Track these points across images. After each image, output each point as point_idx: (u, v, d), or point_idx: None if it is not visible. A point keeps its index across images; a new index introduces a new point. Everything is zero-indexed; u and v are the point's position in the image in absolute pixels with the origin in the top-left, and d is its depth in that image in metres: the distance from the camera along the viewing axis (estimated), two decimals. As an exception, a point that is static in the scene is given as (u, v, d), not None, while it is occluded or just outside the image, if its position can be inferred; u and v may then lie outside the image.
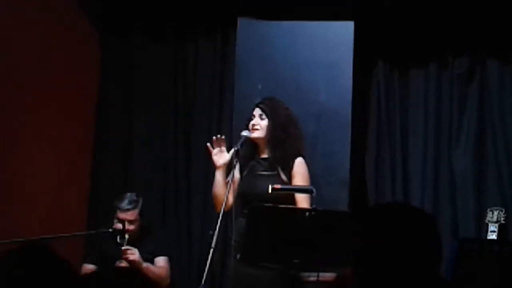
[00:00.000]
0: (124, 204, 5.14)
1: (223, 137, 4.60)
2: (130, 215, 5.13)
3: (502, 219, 5.05)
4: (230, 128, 5.56)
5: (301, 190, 4.52)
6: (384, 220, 2.08)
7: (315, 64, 5.48)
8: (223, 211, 4.33)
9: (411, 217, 2.09)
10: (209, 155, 4.60)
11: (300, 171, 4.58)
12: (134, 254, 5.00)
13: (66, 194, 5.74)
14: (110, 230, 5.02)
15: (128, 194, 5.23)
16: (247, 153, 4.65)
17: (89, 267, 5.07)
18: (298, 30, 5.54)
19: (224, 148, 4.58)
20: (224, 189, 4.47)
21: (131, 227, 5.10)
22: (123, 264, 4.96)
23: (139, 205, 5.18)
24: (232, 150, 4.53)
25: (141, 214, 5.19)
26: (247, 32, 5.59)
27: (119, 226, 5.06)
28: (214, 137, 4.61)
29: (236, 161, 4.53)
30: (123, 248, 4.98)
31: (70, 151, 5.82)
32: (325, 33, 5.48)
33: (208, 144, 4.59)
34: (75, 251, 5.22)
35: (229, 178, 4.45)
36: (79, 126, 5.95)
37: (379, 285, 2.02)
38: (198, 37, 6.00)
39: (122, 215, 5.12)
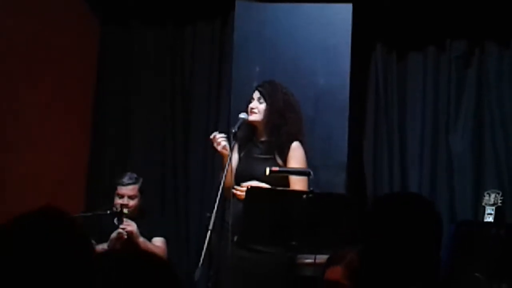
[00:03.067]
0: (125, 179, 5.24)
1: (216, 135, 4.59)
2: (131, 190, 5.22)
3: (499, 202, 5.05)
4: (228, 110, 5.56)
5: (299, 172, 4.53)
6: (388, 211, 2.13)
7: (313, 46, 5.47)
8: (222, 193, 4.33)
9: (413, 206, 2.14)
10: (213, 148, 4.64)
11: (295, 155, 4.58)
12: (131, 225, 5.07)
13: (65, 175, 5.75)
14: (108, 212, 5.08)
15: (129, 172, 5.35)
16: (245, 135, 4.65)
17: None
18: (296, 12, 5.52)
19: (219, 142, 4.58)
20: (229, 176, 4.48)
21: (131, 202, 5.19)
22: (119, 233, 5.01)
23: (139, 182, 5.27)
24: (225, 140, 4.54)
25: (141, 192, 5.25)
26: (245, 15, 5.58)
27: (119, 202, 5.15)
28: (211, 136, 4.61)
29: (234, 143, 4.54)
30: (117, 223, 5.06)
31: (68, 134, 5.83)
32: (323, 16, 5.46)
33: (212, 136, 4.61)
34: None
35: (227, 161, 4.45)
36: (77, 111, 5.95)
37: (386, 270, 2.07)
38: (196, 20, 5.99)
39: (122, 190, 5.21)
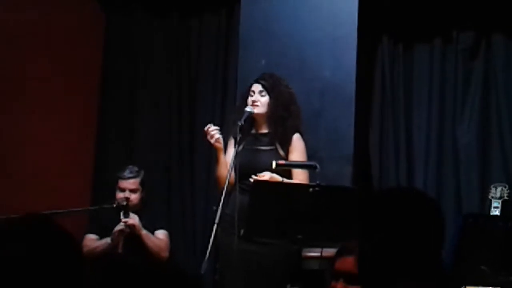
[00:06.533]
0: (126, 173, 5.21)
1: (210, 127, 4.59)
2: (132, 183, 5.19)
3: (506, 195, 5.05)
4: (234, 103, 5.54)
5: (305, 165, 4.54)
6: (389, 205, 2.11)
7: (319, 39, 5.45)
8: (227, 188, 4.33)
9: (415, 201, 2.12)
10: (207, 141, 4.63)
11: (297, 147, 4.62)
12: (133, 219, 5.06)
13: (70, 169, 5.76)
14: (114, 205, 5.06)
15: (130, 166, 5.31)
16: (244, 127, 4.63)
17: (91, 237, 5.15)
18: (302, 5, 5.50)
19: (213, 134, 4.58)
20: (225, 169, 4.48)
21: (133, 196, 5.16)
22: (121, 227, 5.00)
23: (141, 175, 5.24)
24: (218, 133, 4.53)
25: (142, 185, 5.23)
26: (251, 7, 5.56)
27: (121, 195, 5.12)
28: (205, 129, 4.61)
29: (240, 137, 4.53)
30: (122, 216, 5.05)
31: (74, 127, 5.83)
32: (329, 8, 5.44)
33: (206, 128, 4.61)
34: (79, 226, 5.24)
35: (232, 156, 4.44)
36: (83, 101, 5.96)
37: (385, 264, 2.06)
38: (202, 12, 5.98)
39: (124, 184, 5.19)
